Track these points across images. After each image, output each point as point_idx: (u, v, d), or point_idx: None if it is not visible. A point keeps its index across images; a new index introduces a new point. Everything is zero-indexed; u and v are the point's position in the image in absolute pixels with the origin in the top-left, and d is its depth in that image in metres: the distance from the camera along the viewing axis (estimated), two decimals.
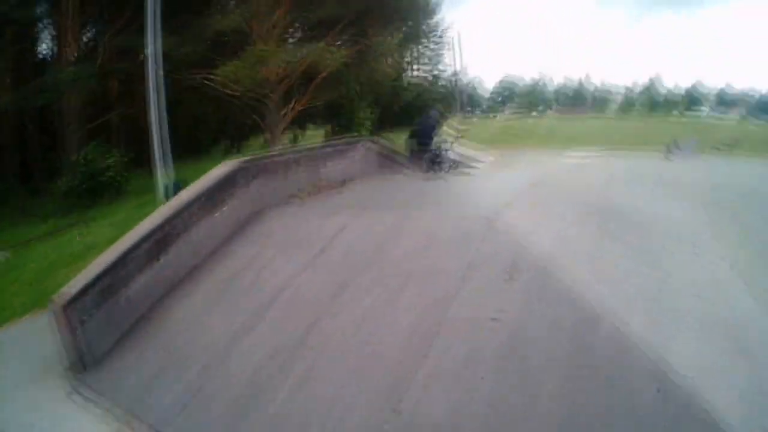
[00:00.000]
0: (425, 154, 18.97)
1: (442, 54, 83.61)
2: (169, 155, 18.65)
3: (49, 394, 7.85)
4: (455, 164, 19.43)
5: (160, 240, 9.56)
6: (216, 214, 10.72)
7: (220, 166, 11.54)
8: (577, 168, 24.37)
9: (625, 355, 5.86)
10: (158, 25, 18.93)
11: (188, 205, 10.24)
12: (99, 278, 8.49)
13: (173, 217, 9.91)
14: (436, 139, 19.50)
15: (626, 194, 14.53)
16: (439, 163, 18.64)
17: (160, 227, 9.64)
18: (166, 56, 34.12)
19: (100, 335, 8.38)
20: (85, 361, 8.16)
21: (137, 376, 7.68)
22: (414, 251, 8.50)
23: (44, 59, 42.48)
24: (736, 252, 10.52)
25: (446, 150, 19.40)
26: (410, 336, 6.64)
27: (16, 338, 10.13)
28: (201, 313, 8.67)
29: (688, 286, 8.14)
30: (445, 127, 20.33)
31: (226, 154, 49.13)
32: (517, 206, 10.51)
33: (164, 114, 19.19)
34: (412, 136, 20.69)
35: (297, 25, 42.75)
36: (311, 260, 9.01)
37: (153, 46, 19.11)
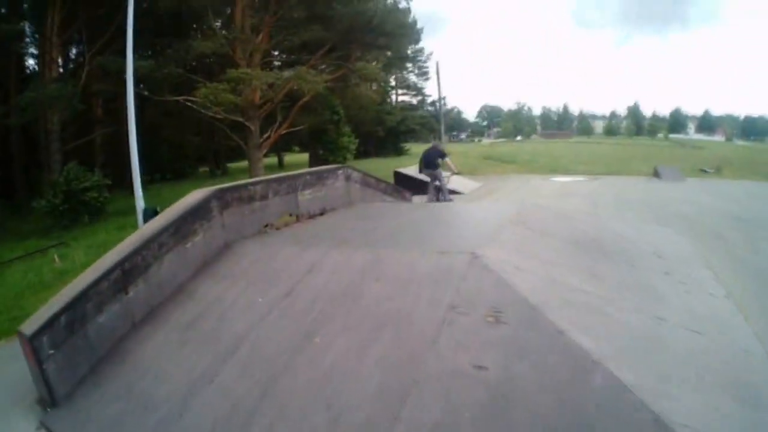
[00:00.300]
0: (431, 184, 21.28)
1: (425, 80, 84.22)
2: (139, 178, 18.12)
3: (16, 427, 7.48)
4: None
5: (127, 272, 9.02)
6: (186, 246, 10.19)
7: (191, 194, 11.06)
8: (565, 194, 24.21)
9: (621, 407, 5.29)
10: (131, 46, 18.39)
11: (157, 235, 9.69)
12: (66, 309, 8.02)
13: (142, 248, 9.37)
14: (439, 169, 21.33)
15: (616, 222, 14.18)
16: (442, 192, 20.88)
17: (129, 258, 9.11)
18: (147, 77, 34.13)
19: (68, 369, 7.94)
20: (53, 396, 7.72)
21: (100, 418, 7.18)
22: (390, 292, 7.88)
23: (30, 76, 42.38)
24: (730, 280, 10.22)
25: (446, 180, 21.43)
26: (382, 392, 6.03)
27: None
28: (163, 355, 8.11)
29: (685, 323, 7.67)
30: (445, 161, 21.00)
31: (212, 177, 49.04)
32: (503, 238, 9.99)
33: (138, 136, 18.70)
34: (420, 164, 22.05)
35: (280, 49, 42.70)
36: (278, 302, 8.43)
37: (131, 67, 18.60)
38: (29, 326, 7.81)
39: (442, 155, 22.06)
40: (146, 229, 10.19)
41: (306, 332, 7.49)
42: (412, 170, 29.30)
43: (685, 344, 7.01)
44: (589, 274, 8.97)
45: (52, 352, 7.71)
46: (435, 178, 21.67)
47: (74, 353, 8.05)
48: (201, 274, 10.14)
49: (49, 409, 7.71)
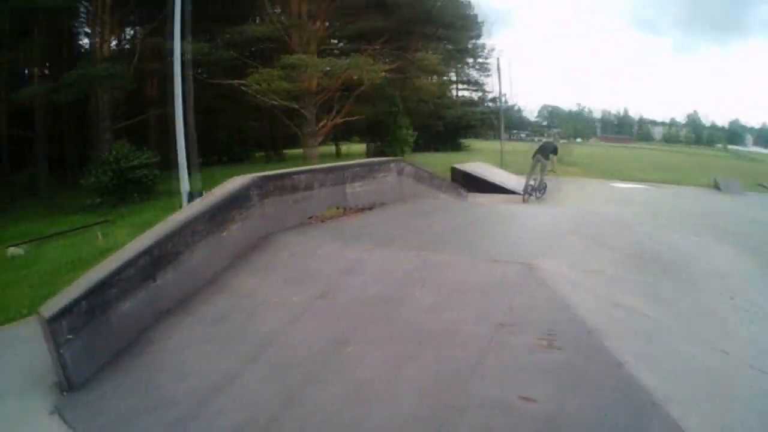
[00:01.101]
0: (530, 176, 22.33)
1: (486, 76, 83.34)
2: (185, 161, 17.88)
3: (29, 410, 7.07)
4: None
5: (157, 258, 8.57)
6: (222, 235, 9.72)
7: (230, 180, 10.62)
8: (625, 201, 23.46)
9: None
10: (178, 28, 18.18)
11: (191, 222, 9.24)
12: (89, 294, 7.62)
13: (174, 234, 8.92)
14: (548, 161, 22.38)
15: (678, 236, 13.39)
16: (540, 189, 22.10)
17: (159, 244, 8.67)
18: (201, 61, 34.09)
19: (86, 356, 7.50)
20: (70, 381, 7.29)
21: (116, 409, 6.73)
22: (434, 302, 7.28)
23: (82, 54, 42.60)
24: None
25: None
26: (413, 418, 5.39)
27: (10, 342, 9.50)
28: (186, 351, 7.64)
29: (750, 359, 6.83)
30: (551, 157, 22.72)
31: (268, 162, 48.99)
32: (561, 248, 9.35)
33: (186, 119, 18.50)
34: (535, 152, 23.11)
35: (337, 36, 42.49)
36: (313, 302, 7.90)
37: (180, 49, 18.37)
38: (49, 308, 7.43)
39: (554, 150, 23.15)
40: (181, 214, 9.78)
41: (339, 339, 6.94)
42: (471, 167, 28.66)
43: (751, 385, 6.22)
44: (650, 294, 8.23)
45: (70, 336, 7.32)
46: (542, 167, 22.53)
47: (94, 340, 7.64)
48: (235, 266, 9.66)
49: (65, 394, 7.27)
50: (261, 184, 10.54)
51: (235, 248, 9.92)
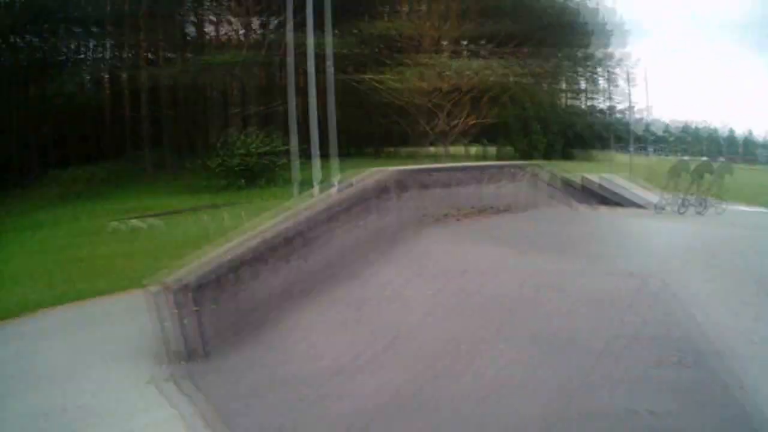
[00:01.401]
0: (675, 197, 20.70)
1: (615, 86, 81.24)
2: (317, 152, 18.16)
3: (132, 378, 6.95)
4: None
5: (291, 241, 8.70)
6: (358, 224, 9.79)
7: (370, 172, 10.63)
8: (755, 227, 22.51)
9: None
10: (330, 22, 18.50)
11: (329, 209, 9.35)
12: (216, 270, 7.73)
13: (312, 220, 9.06)
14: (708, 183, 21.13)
15: None
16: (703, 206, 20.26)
17: (296, 227, 8.80)
18: (336, 55, 34.36)
19: (204, 330, 7.48)
20: (182, 354, 7.31)
21: (228, 388, 6.62)
22: (553, 308, 7.31)
23: (206, 41, 43.08)
24: None
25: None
26: (537, 422, 5.25)
27: (126, 309, 9.26)
28: (312, 335, 7.65)
29: None
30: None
31: (406, 158, 48.93)
32: (692, 267, 9.04)
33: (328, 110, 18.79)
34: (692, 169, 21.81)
35: (473, 37, 42.12)
36: (447, 299, 7.91)
37: (330, 44, 18.72)
38: (175, 279, 7.44)
39: (711, 170, 22.06)
40: (319, 201, 9.85)
41: (465, 337, 6.94)
42: (604, 178, 27.92)
43: None
44: None
45: (193, 309, 7.36)
46: (699, 186, 21.32)
47: (218, 314, 7.68)
48: (369, 256, 9.61)
49: (174, 366, 7.18)
50: (400, 178, 10.56)
51: (371, 238, 9.91)
